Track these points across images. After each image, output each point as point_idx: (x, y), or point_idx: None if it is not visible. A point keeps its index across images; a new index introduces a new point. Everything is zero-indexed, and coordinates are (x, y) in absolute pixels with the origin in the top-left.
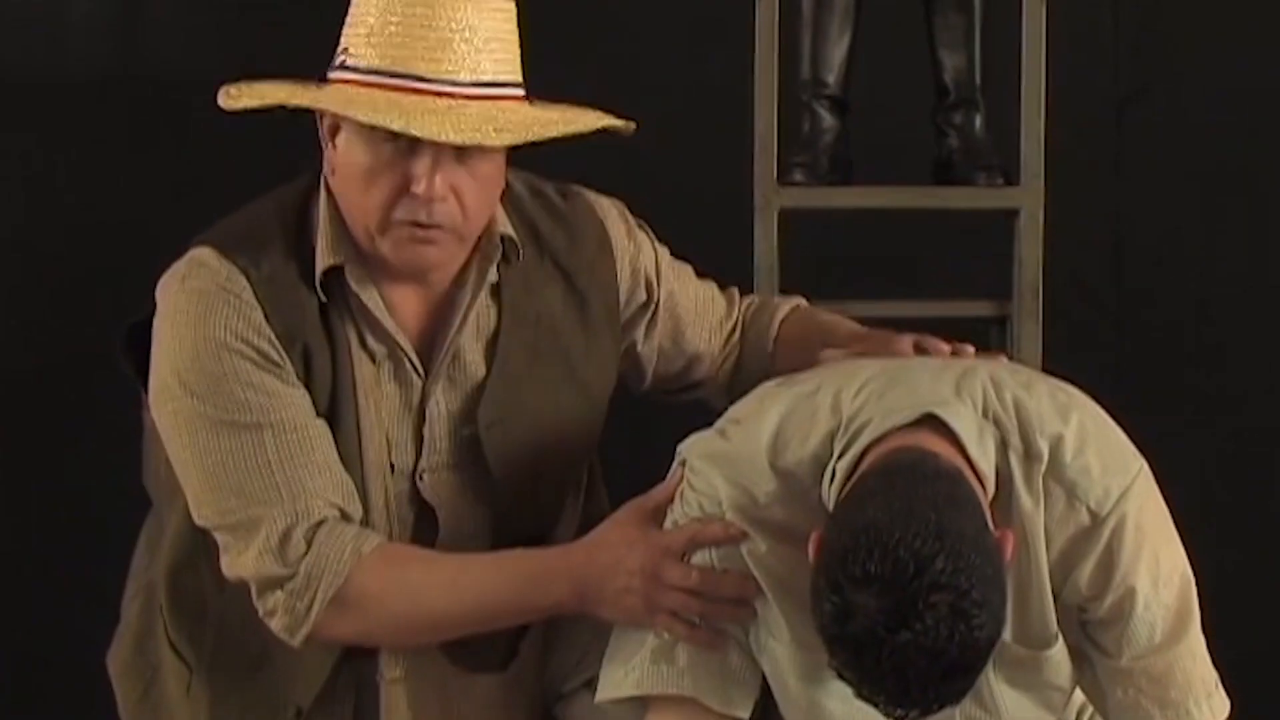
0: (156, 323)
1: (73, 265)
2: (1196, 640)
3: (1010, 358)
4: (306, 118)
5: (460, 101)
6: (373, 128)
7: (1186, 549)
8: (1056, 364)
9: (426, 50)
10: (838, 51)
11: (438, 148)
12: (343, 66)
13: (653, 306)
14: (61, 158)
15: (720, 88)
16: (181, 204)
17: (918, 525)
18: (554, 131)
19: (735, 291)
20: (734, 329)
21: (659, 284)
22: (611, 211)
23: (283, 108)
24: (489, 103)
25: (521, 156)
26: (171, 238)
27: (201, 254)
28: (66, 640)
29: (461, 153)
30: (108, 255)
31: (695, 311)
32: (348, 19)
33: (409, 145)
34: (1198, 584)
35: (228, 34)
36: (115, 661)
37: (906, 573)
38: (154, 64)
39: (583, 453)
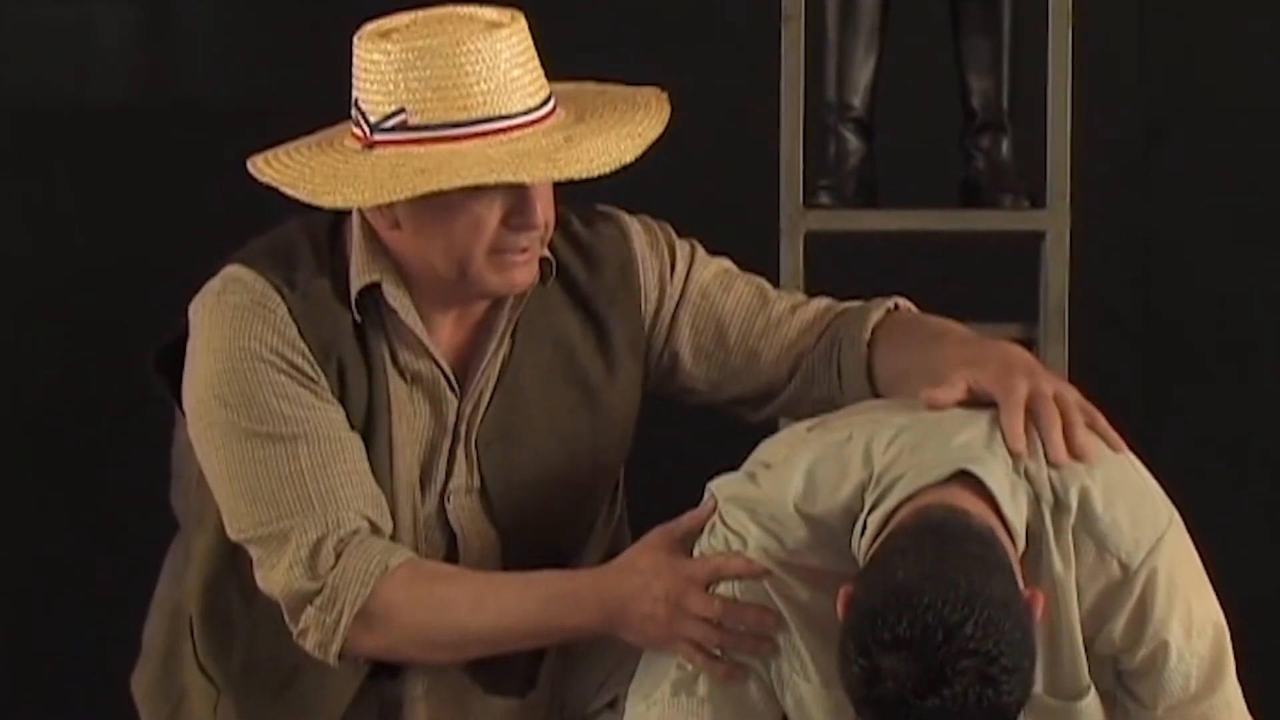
0: (190, 339)
1: (99, 290)
2: (1232, 690)
3: None
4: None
5: (528, 130)
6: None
7: (1213, 579)
8: (1082, 387)
9: (497, 88)
10: (863, 74)
11: (536, 184)
12: (403, 126)
13: (675, 301)
14: (89, 183)
15: (746, 111)
16: (209, 230)
17: (947, 589)
18: (654, 130)
19: (823, 299)
20: (809, 330)
21: (687, 281)
22: (634, 226)
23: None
24: (546, 122)
25: None
26: (199, 263)
27: (236, 271)
28: (90, 662)
29: None
30: (135, 281)
31: (743, 309)
32: (362, 82)
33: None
34: (1231, 611)
35: (256, 62)
36: (141, 684)
37: (935, 638)
38: (182, 91)
39: (602, 479)
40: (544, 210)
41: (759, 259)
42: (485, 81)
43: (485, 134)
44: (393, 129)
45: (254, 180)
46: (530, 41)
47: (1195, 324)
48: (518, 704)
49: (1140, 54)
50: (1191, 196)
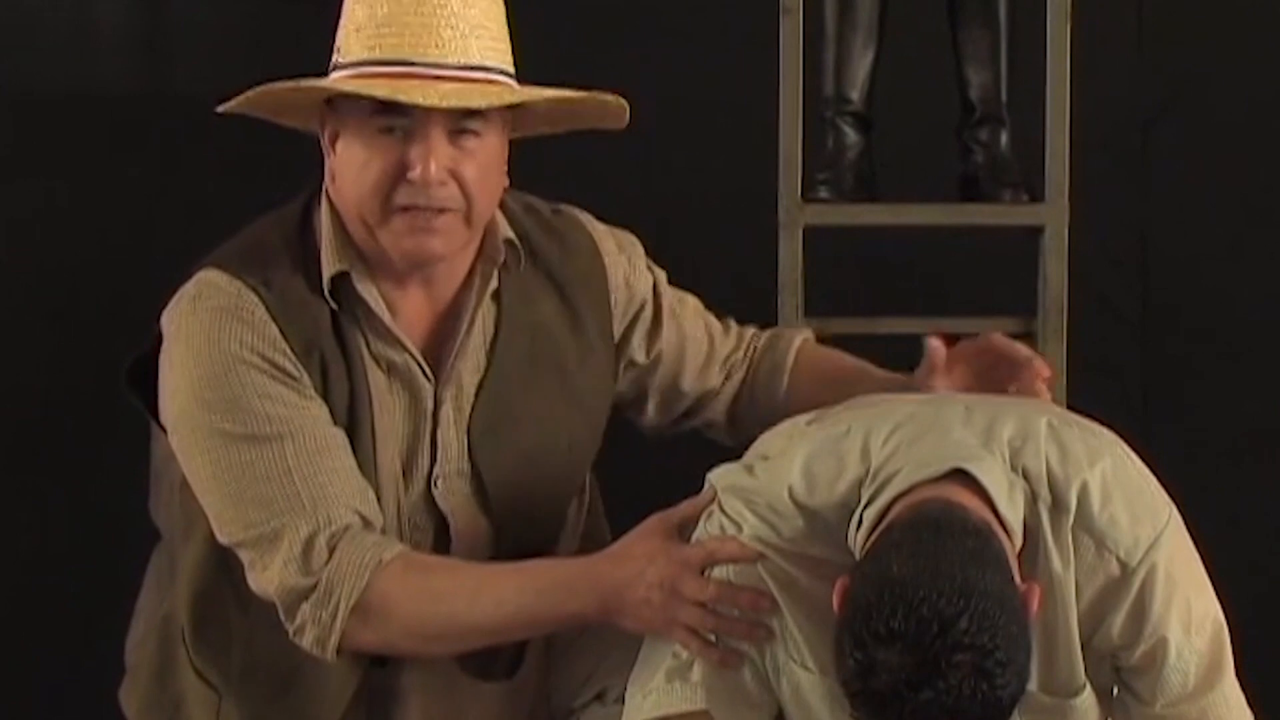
0: (166, 346)
1: (96, 283)
2: (1231, 686)
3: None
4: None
5: (449, 81)
6: (369, 122)
7: (1213, 578)
8: (1081, 381)
9: (413, 37)
10: (862, 68)
11: (430, 132)
12: (335, 67)
13: (650, 317)
14: (84, 175)
15: (745, 105)
16: (204, 223)
17: (943, 583)
18: (538, 96)
19: (734, 324)
20: (743, 359)
21: (658, 296)
22: (600, 228)
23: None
24: (477, 84)
25: (537, 174)
26: (194, 256)
27: (210, 275)
28: (89, 666)
29: (457, 137)
30: (131, 274)
31: (698, 333)
32: (340, 25)
33: (404, 134)
34: (1230, 607)
35: (253, 53)
36: (132, 699)
37: (930, 631)
38: (179, 82)
39: (578, 465)
40: (437, 164)
41: (757, 253)
42: (406, 28)
43: (395, 75)
44: (331, 69)
45: (252, 176)
46: (498, 17)
47: (1194, 318)
48: (507, 696)
49: (1138, 47)
50: (1190, 190)
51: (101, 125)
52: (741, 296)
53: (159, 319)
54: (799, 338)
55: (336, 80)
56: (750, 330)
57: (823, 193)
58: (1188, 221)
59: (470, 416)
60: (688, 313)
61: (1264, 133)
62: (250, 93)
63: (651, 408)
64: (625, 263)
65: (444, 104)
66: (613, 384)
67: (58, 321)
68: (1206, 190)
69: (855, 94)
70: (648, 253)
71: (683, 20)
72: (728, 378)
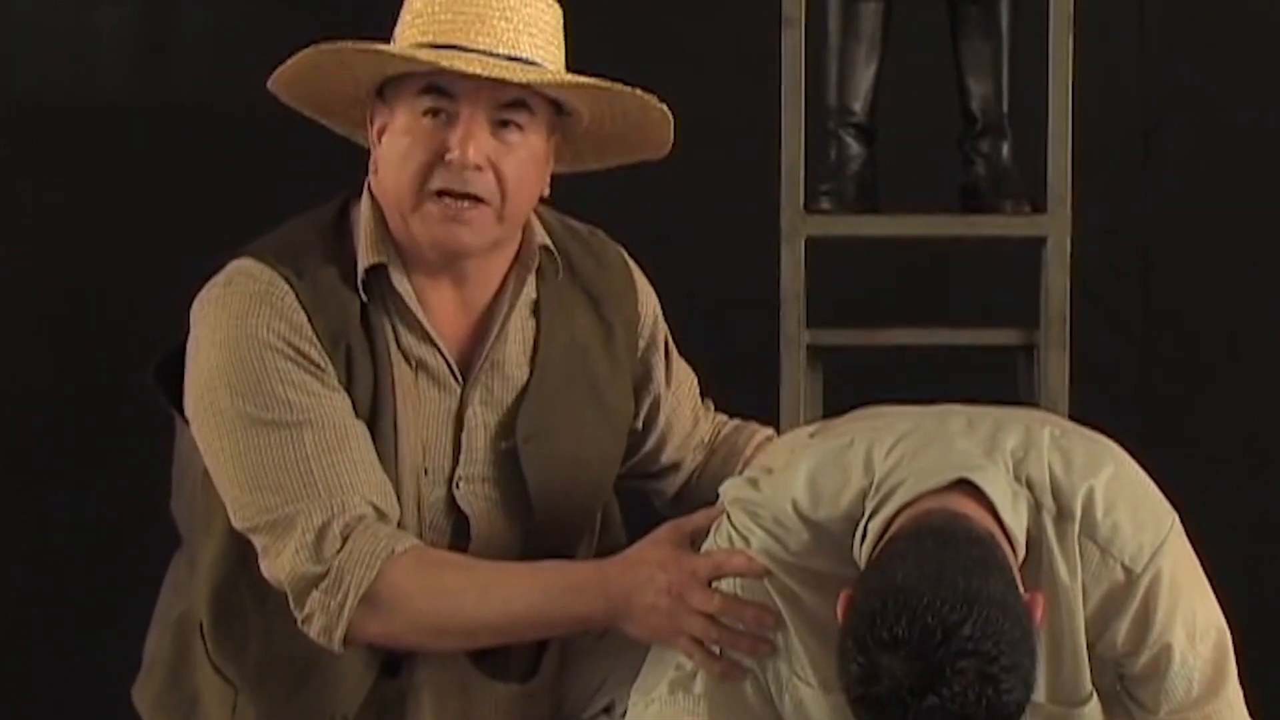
0: (195, 330)
1: (96, 288)
2: (1234, 693)
3: (1037, 386)
4: (336, 143)
5: (494, 61)
6: (415, 103)
7: (1213, 580)
8: (1083, 392)
9: (465, 24)
10: (865, 79)
11: (474, 116)
12: None
13: (664, 367)
14: (87, 182)
15: (747, 116)
16: (207, 230)
17: (946, 590)
18: (580, 82)
19: (711, 407)
20: (706, 442)
21: (669, 356)
22: (632, 261)
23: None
24: (523, 68)
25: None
26: (197, 262)
27: (242, 264)
28: (92, 671)
29: (500, 129)
30: (133, 280)
31: (689, 409)
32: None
33: (448, 117)
34: (1230, 613)
35: (255, 61)
36: (146, 696)
37: (934, 638)
38: (181, 90)
39: (604, 479)
40: (476, 149)
41: (760, 264)
42: (460, 15)
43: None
44: None
45: (253, 181)
46: (553, 23)
47: (1196, 327)
48: (520, 696)
49: (1139, 58)
50: (1191, 200)
51: (101, 130)
52: (743, 307)
53: (160, 321)
54: (762, 434)
55: (384, 48)
56: (722, 416)
57: (825, 204)
58: (1189, 232)
59: (514, 425)
60: (686, 385)
61: (1265, 143)
62: (303, 54)
63: (631, 459)
64: (653, 300)
65: (485, 73)
66: (632, 401)
67: (58, 325)
68: (1208, 200)
69: (858, 105)
70: (650, 260)
71: (685, 31)
72: (694, 458)
